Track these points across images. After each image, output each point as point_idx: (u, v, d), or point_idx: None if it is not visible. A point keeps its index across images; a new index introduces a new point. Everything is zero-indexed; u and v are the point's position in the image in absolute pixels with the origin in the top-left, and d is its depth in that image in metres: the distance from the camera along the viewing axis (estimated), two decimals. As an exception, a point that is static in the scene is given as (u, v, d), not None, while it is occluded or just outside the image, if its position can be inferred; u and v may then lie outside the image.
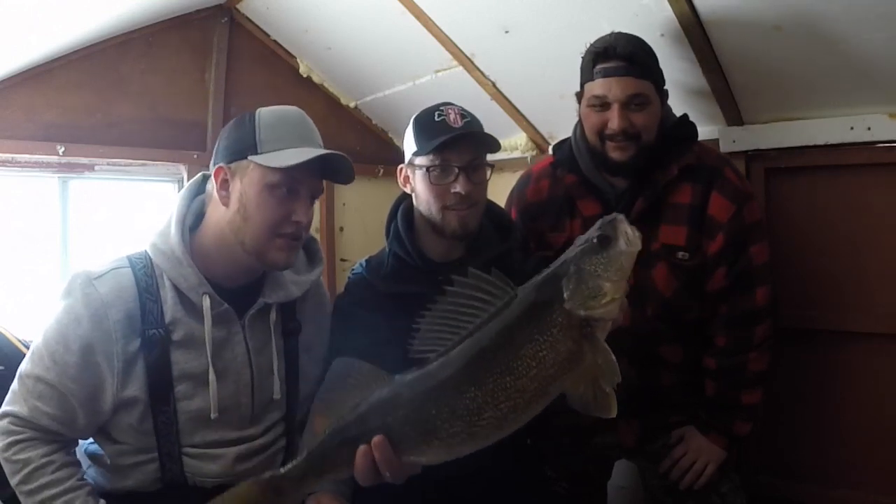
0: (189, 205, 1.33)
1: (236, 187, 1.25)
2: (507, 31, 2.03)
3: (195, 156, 2.51)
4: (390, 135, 2.97)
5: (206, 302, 1.25)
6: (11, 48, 2.07)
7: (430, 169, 1.37)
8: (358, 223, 2.95)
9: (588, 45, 1.54)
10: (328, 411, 1.07)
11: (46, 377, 1.20)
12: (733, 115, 1.87)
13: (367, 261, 1.51)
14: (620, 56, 1.47)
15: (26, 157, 2.25)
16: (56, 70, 2.25)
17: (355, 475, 1.05)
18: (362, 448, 1.02)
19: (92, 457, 1.33)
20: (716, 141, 1.88)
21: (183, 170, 2.54)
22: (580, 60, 1.55)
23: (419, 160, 1.40)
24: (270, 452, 1.36)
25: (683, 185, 1.55)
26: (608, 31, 1.52)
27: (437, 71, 2.38)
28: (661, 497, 1.68)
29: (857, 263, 1.75)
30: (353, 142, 2.85)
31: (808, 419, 1.82)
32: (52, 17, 2.01)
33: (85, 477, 1.26)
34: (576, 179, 1.62)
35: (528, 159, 2.44)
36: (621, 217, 0.99)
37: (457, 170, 1.36)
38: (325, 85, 2.80)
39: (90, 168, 2.40)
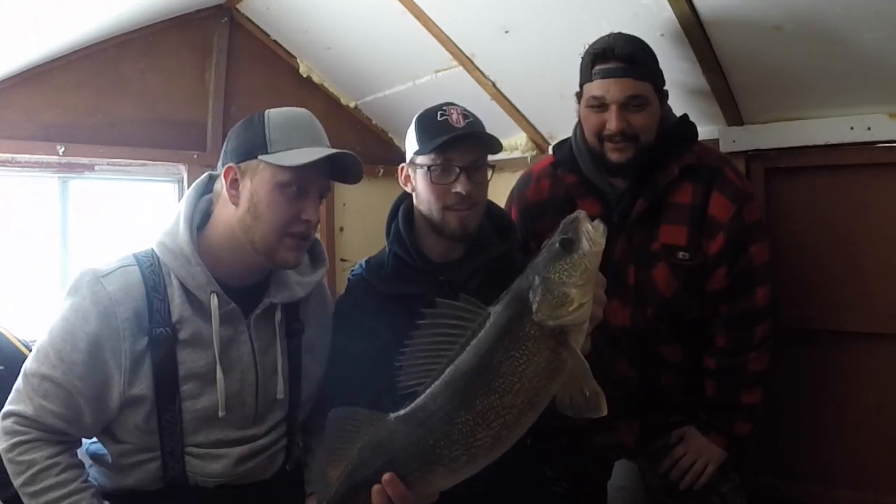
0: (196, 204, 1.33)
1: (246, 186, 1.26)
2: (507, 31, 2.03)
3: (195, 156, 2.51)
4: (390, 135, 2.97)
5: (214, 301, 1.26)
6: (11, 48, 2.07)
7: (432, 168, 1.37)
8: (358, 223, 2.95)
9: (588, 46, 1.54)
10: (337, 460, 1.08)
11: (53, 375, 1.20)
12: (733, 115, 1.87)
13: (367, 261, 1.51)
14: (619, 57, 1.47)
15: (26, 157, 2.25)
16: (56, 70, 2.25)
17: None
18: (376, 487, 1.03)
19: (93, 456, 1.33)
20: (716, 141, 1.88)
21: (183, 170, 2.54)
22: (580, 60, 1.55)
23: (420, 159, 1.40)
24: (272, 452, 1.36)
25: (684, 185, 1.55)
26: (608, 32, 1.52)
27: (437, 71, 2.38)
28: (661, 497, 1.68)
29: (857, 263, 1.75)
30: (354, 142, 2.85)
31: (808, 419, 1.82)
32: (52, 17, 2.01)
33: (88, 478, 1.26)
34: (576, 179, 1.62)
35: (528, 159, 2.44)
36: (582, 215, 1.00)
37: (458, 169, 1.36)
38: (325, 85, 2.80)
39: (90, 168, 2.40)
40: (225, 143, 1.32)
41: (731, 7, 1.58)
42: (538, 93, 2.22)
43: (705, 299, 1.58)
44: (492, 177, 1.42)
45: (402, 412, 1.05)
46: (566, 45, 1.69)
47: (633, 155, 1.50)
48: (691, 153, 1.56)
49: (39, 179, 2.37)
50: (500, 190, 1.83)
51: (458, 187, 1.36)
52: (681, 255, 1.55)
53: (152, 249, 1.29)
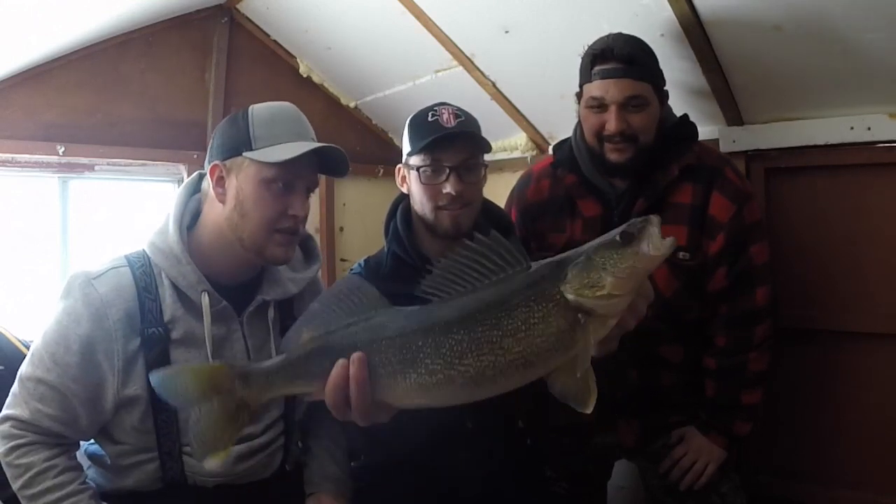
0: (186, 203, 1.33)
1: (232, 184, 1.26)
2: (507, 31, 2.03)
3: (195, 156, 2.51)
4: (390, 135, 2.97)
5: (205, 299, 1.26)
6: (11, 48, 2.07)
7: (422, 169, 1.37)
8: (358, 223, 2.95)
9: (587, 46, 1.54)
10: (320, 326, 1.07)
11: (47, 378, 1.20)
12: (733, 115, 1.87)
13: (365, 261, 1.51)
14: (618, 57, 1.47)
15: (26, 157, 2.26)
16: (56, 70, 2.26)
17: (325, 392, 1.04)
18: (341, 360, 1.02)
19: (92, 457, 1.33)
20: (716, 141, 1.89)
21: (183, 170, 2.54)
22: (580, 61, 1.55)
23: (412, 160, 1.40)
24: (270, 451, 1.35)
25: (684, 185, 1.55)
26: (608, 32, 1.52)
27: (437, 71, 2.38)
28: (661, 497, 1.68)
29: (857, 263, 1.75)
30: (353, 142, 2.85)
31: (808, 419, 1.82)
32: (52, 17, 2.01)
33: (87, 480, 1.26)
34: (576, 179, 1.62)
35: (528, 159, 2.44)
36: (656, 219, 0.97)
37: (448, 169, 1.36)
38: (325, 85, 2.80)
39: (90, 168, 2.40)
40: (211, 141, 1.32)
41: (731, 7, 1.58)
42: (538, 93, 2.22)
43: (705, 299, 1.58)
44: (485, 175, 1.42)
45: (408, 308, 1.04)
46: (566, 45, 1.69)
47: (633, 155, 1.50)
48: (691, 153, 1.56)
49: (39, 179, 2.37)
50: (500, 190, 1.83)
51: (449, 187, 1.35)
52: (681, 255, 1.55)
53: (143, 250, 1.29)
